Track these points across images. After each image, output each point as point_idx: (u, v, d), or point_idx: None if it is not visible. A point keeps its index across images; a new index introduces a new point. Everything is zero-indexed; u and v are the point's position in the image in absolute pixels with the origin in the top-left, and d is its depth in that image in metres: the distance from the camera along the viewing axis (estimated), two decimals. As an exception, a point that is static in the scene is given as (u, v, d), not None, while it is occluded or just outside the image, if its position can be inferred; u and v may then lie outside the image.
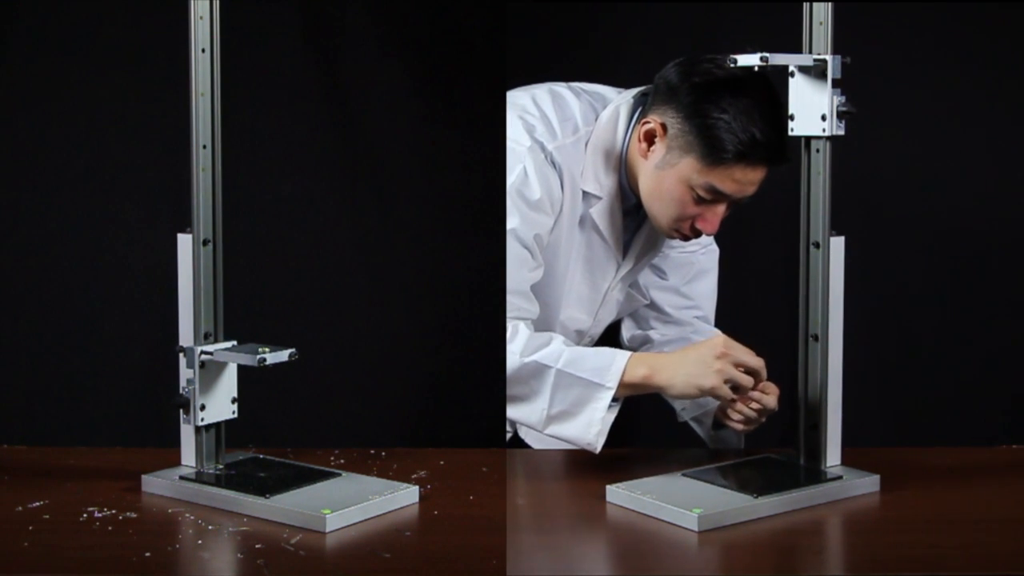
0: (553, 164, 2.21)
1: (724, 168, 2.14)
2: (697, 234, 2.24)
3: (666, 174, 2.19)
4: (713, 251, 2.54)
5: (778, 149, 2.14)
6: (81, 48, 2.73)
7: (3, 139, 2.75)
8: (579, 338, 2.40)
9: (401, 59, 2.78)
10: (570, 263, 2.30)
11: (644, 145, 2.21)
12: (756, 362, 2.12)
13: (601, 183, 2.26)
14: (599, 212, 2.28)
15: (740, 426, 2.24)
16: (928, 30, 2.87)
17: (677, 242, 2.43)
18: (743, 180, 2.15)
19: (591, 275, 2.34)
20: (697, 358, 2.11)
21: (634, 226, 2.35)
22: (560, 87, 2.31)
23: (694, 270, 2.52)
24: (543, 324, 2.30)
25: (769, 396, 2.18)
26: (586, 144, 2.25)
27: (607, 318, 2.44)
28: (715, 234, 2.33)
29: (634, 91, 2.29)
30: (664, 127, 2.18)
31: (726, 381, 2.09)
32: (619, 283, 2.39)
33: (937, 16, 2.83)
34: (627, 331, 2.56)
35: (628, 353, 2.15)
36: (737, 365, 2.10)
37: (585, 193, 2.26)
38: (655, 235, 2.36)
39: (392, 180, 2.81)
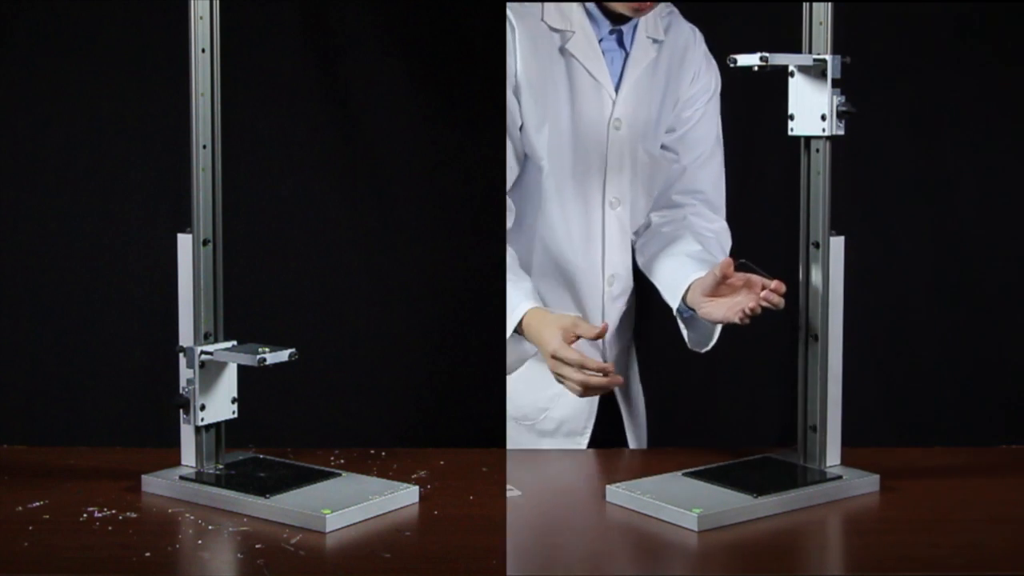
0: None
1: None
2: None
3: None
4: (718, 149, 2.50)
5: None
6: (81, 48, 2.72)
7: (3, 139, 2.75)
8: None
9: (401, 59, 2.78)
10: (548, 95, 2.30)
11: None
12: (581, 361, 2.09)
13: (564, 15, 2.28)
14: (575, 44, 2.29)
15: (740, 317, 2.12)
16: (928, 29, 2.86)
17: (688, 114, 2.43)
18: None
19: (580, 112, 2.33)
20: (541, 348, 2.14)
21: (621, 61, 2.35)
22: None
23: (706, 150, 2.47)
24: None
25: (778, 298, 2.07)
26: None
27: (639, 183, 2.39)
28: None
29: None
30: None
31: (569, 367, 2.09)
32: (625, 128, 2.35)
33: (937, 15, 2.83)
34: None
35: (527, 307, 2.18)
36: (571, 364, 2.09)
37: (554, 30, 2.28)
38: (649, 74, 2.36)
39: (392, 180, 2.81)
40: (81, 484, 2.11)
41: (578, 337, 2.11)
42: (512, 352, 2.24)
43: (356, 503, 1.96)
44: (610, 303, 2.43)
